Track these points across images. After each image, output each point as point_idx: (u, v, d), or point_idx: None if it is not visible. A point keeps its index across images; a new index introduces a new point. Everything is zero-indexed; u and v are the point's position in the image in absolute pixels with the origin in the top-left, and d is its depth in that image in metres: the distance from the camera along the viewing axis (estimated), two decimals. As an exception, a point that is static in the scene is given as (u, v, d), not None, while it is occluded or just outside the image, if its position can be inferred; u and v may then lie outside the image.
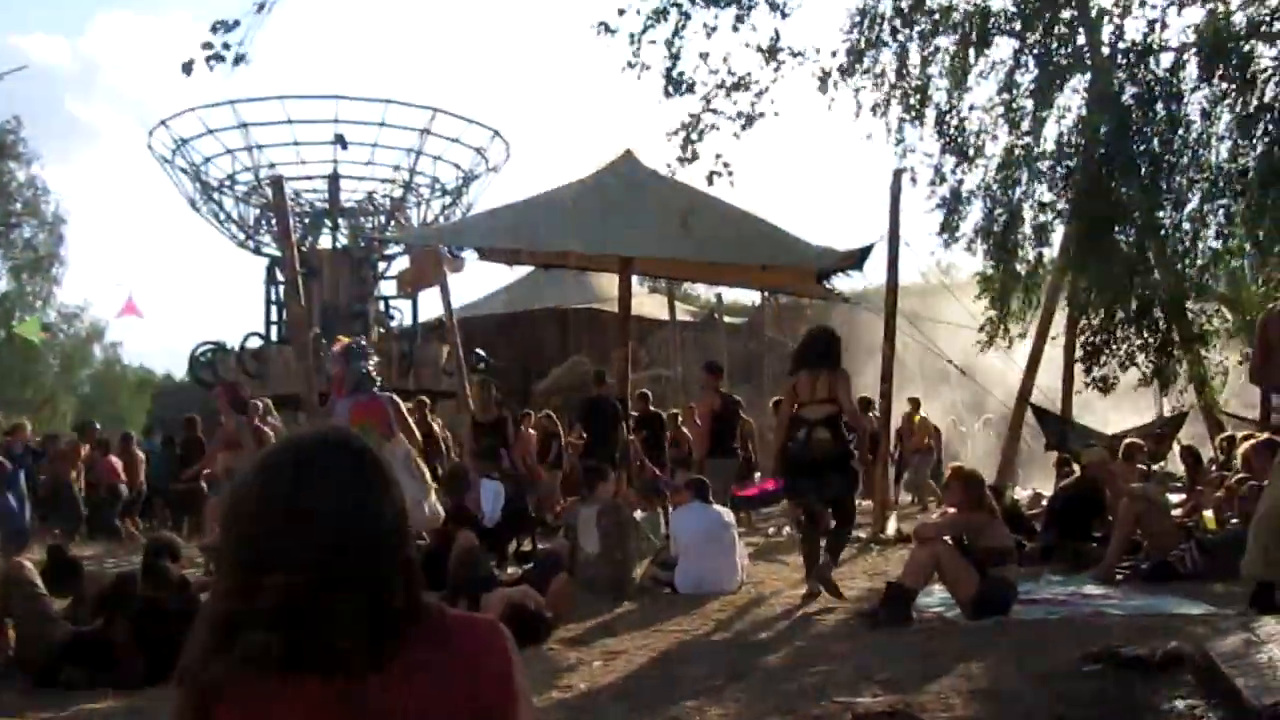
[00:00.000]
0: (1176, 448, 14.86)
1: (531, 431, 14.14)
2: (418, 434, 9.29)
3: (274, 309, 25.42)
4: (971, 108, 12.25)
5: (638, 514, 10.21)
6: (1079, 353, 13.33)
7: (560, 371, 29.51)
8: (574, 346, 30.57)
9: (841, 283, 12.41)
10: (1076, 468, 10.96)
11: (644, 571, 8.54)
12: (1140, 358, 12.89)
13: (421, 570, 1.55)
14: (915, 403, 17.30)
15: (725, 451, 11.64)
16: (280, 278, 23.36)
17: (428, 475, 8.69)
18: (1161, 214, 11.60)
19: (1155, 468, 13.72)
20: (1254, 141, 10.83)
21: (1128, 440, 12.07)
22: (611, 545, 8.15)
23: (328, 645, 1.41)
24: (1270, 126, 10.53)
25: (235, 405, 10.61)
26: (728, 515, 8.70)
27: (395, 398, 8.92)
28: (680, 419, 15.19)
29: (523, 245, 12.10)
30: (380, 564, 1.46)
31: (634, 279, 13.62)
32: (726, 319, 32.05)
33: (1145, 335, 12.56)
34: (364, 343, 9.30)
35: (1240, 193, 11.11)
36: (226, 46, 7.13)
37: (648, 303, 31.14)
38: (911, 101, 12.15)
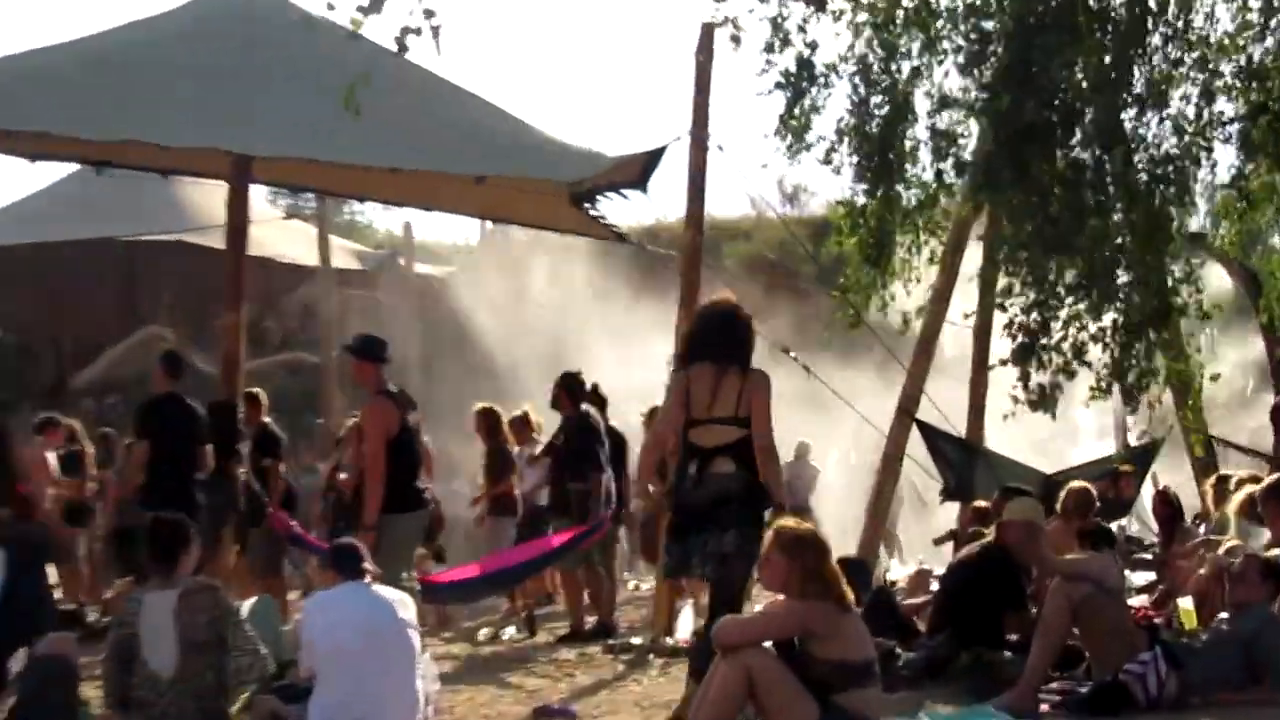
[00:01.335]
0: (1148, 493, 15.56)
1: (49, 455, 13.88)
2: None
3: None
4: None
5: (246, 603, 10.03)
6: (1007, 343, 13.42)
7: (121, 350, 28.80)
8: (148, 309, 29.86)
9: (617, 210, 12.47)
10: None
11: (254, 704, 8.41)
12: (1099, 351, 13.11)
13: None
14: None
15: (406, 500, 11.29)
16: None
17: None
18: (1125, 115, 12.11)
19: (1118, 526, 14.33)
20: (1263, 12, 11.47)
21: (1072, 485, 12.51)
22: (199, 657, 7.99)
23: None
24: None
25: None
26: (404, 608, 8.61)
27: None
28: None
29: (59, 126, 11.81)
30: None
31: (257, 192, 13.39)
32: (420, 268, 31.98)
33: (1098, 308, 12.71)
34: None
35: (1249, 91, 11.69)
36: None
37: (284, 236, 30.72)
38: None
